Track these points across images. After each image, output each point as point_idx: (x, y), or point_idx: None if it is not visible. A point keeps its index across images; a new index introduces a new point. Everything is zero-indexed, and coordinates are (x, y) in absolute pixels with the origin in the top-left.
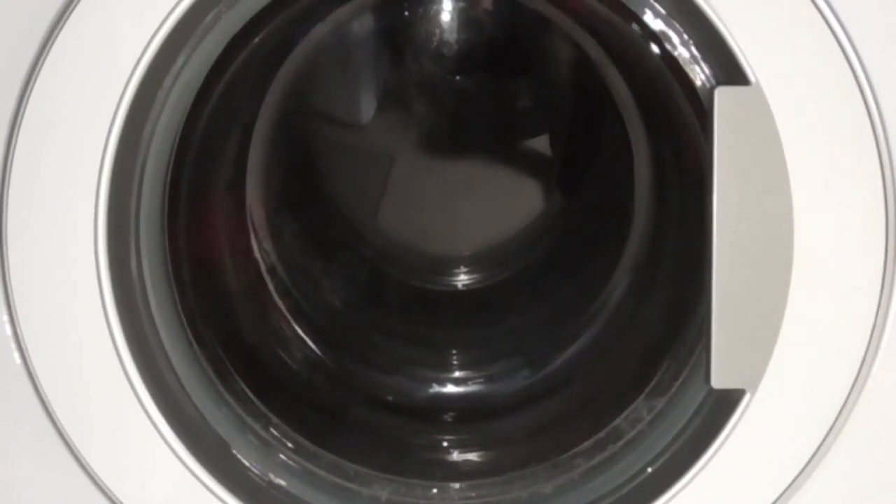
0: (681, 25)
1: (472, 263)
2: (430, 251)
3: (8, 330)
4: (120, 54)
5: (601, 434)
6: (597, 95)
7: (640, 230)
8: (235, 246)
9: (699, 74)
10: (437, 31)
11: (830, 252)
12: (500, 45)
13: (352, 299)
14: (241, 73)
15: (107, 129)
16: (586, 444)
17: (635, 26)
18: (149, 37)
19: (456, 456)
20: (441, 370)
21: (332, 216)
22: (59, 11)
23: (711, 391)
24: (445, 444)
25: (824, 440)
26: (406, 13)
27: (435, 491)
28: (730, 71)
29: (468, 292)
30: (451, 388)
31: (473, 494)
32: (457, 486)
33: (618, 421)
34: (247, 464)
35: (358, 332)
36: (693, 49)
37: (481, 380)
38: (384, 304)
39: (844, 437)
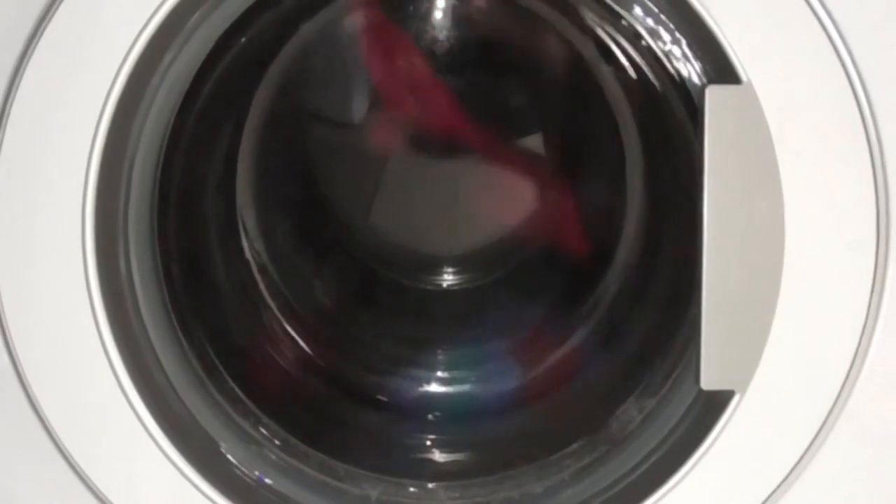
0: (672, 23)
1: (464, 263)
2: (422, 251)
3: None
4: (107, 52)
5: (591, 434)
6: (588, 94)
7: (631, 230)
8: (226, 245)
9: (690, 73)
10: (429, 29)
11: (821, 253)
12: (491, 44)
13: (343, 299)
14: (231, 71)
15: (94, 127)
16: (576, 444)
17: (626, 24)
18: (136, 34)
19: (446, 456)
20: (431, 370)
21: (324, 216)
22: (45, 8)
23: (701, 392)
24: (435, 443)
25: (813, 441)
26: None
27: (425, 490)
28: (721, 69)
29: (459, 292)
30: (441, 388)
31: (463, 494)
32: (446, 485)
33: (608, 421)
34: (236, 463)
35: (349, 332)
36: (684, 47)
37: (472, 380)
38: (375, 303)
39: (834, 439)
